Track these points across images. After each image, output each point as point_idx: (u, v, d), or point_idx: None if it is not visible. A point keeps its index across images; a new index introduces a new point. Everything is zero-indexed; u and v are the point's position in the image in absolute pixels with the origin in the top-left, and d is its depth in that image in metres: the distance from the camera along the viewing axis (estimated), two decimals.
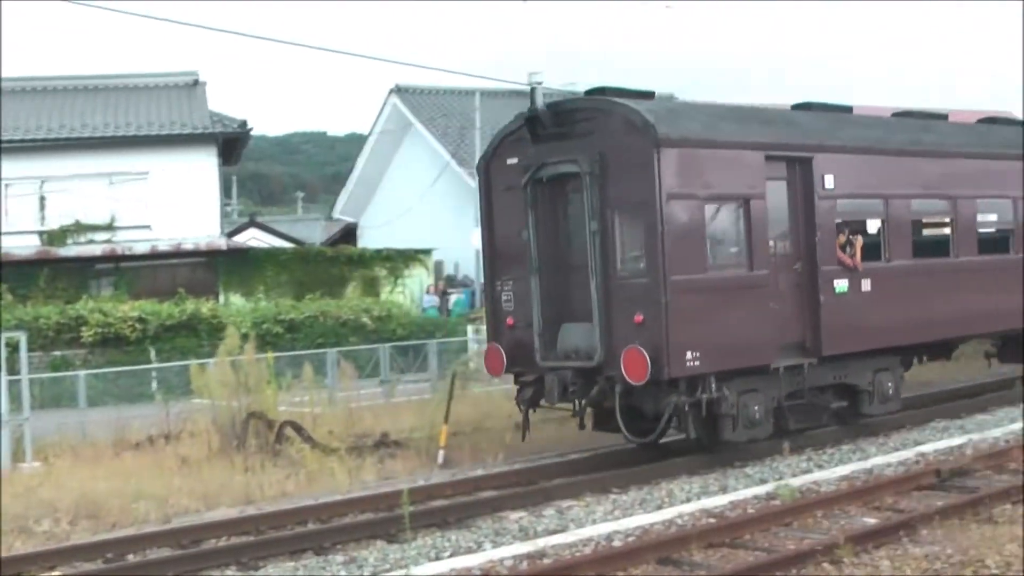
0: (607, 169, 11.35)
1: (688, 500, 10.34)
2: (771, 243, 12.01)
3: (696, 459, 12.20)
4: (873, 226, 13.45)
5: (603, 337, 11.30)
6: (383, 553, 9.00)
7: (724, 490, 10.72)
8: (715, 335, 11.28)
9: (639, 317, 11.03)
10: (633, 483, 11.41)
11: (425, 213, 31.58)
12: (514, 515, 10.31)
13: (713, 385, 11.35)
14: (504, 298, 12.53)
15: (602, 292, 11.32)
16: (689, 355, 11.01)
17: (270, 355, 16.12)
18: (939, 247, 14.43)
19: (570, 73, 74.12)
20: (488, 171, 12.82)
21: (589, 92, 12.35)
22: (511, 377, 12.74)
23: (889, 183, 13.40)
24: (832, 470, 11.34)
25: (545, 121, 11.87)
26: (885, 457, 11.86)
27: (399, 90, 33.98)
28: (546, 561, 8.41)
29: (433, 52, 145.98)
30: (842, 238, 12.86)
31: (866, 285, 12.92)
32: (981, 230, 14.78)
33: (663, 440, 12.11)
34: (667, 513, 9.76)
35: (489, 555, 8.60)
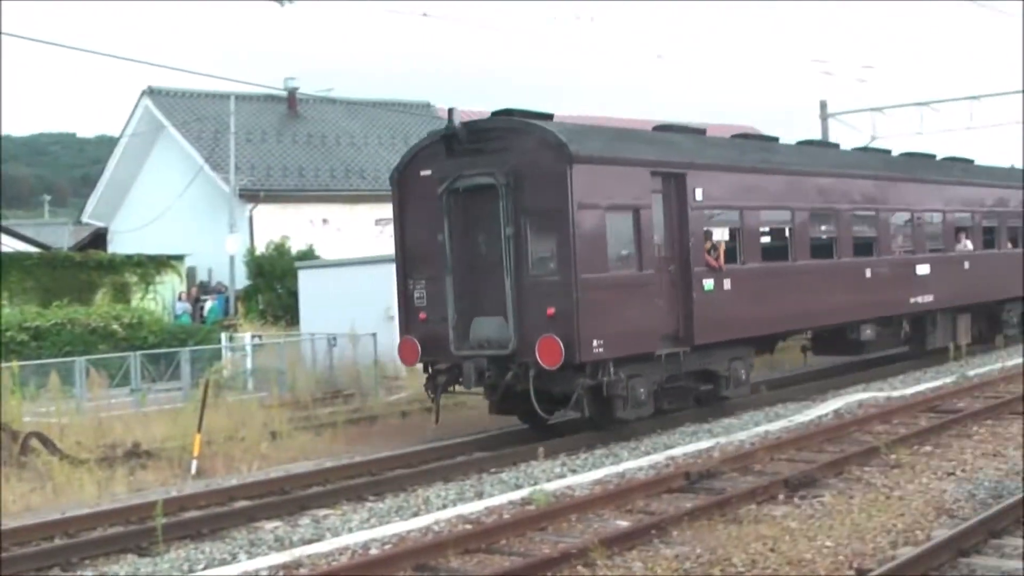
0: (521, 181, 13.00)
1: (444, 507, 10.36)
2: (655, 247, 13.87)
3: (451, 466, 12.68)
4: (732, 233, 15.66)
5: (517, 328, 12.91)
6: (134, 567, 8.82)
7: (480, 496, 10.80)
8: (614, 326, 13.04)
9: (551, 310, 12.69)
10: (389, 490, 11.57)
11: (178, 218, 31.07)
12: (269, 525, 10.25)
13: (612, 369, 13.09)
14: (416, 295, 14.05)
15: (516, 289, 12.93)
16: (595, 343, 12.78)
17: (15, 364, 15.99)
18: (782, 252, 16.88)
19: (327, 79, 73.83)
20: (401, 182, 14.27)
21: (496, 113, 13.95)
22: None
23: (743, 196, 15.58)
24: (586, 474, 11.59)
25: (461, 138, 13.39)
26: (637, 461, 12.24)
27: (151, 92, 33.19)
28: (302, 571, 8.32)
29: (187, 54, 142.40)
30: (708, 243, 14.89)
31: (727, 284, 14.94)
32: (812, 237, 17.19)
33: (552, 422, 14.04)
34: (424, 520, 9.74)
35: (244, 566, 8.49)
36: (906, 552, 7.81)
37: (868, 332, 18.55)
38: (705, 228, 14.84)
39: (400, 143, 32.28)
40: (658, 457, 12.36)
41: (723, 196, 15.14)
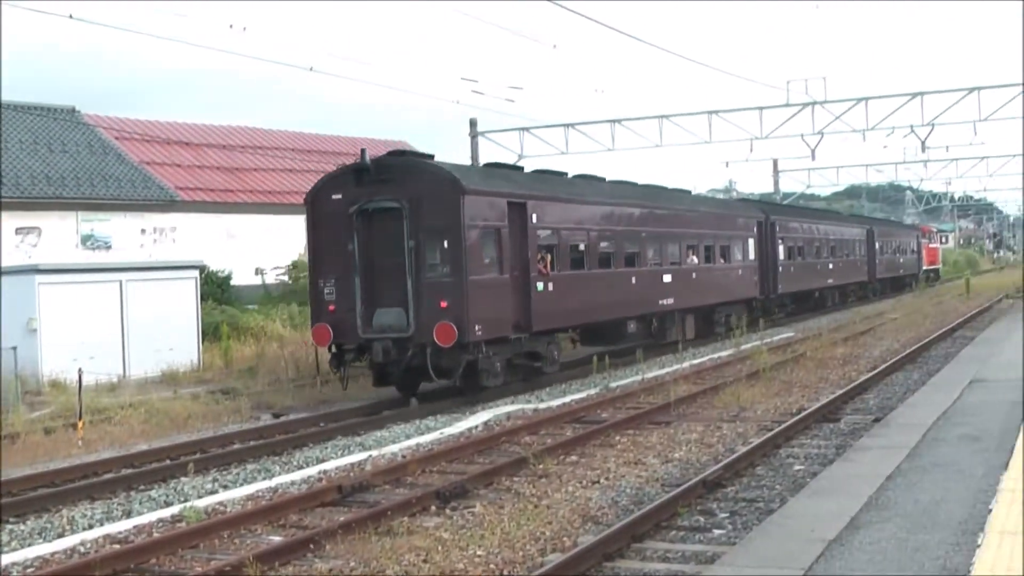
0: (420, 206, 18.73)
1: (91, 526, 10.75)
2: (509, 257, 19.84)
3: (97, 484, 13.19)
4: (552, 248, 21.87)
5: (416, 317, 18.59)
6: None
7: (129, 514, 11.27)
8: (487, 315, 18.97)
9: (444, 303, 18.40)
10: (31, 511, 11.82)
11: None
12: None
13: (484, 348, 19.02)
14: (327, 291, 19.41)
15: (415, 287, 18.64)
16: (476, 328, 18.65)
17: None
18: (580, 263, 23.31)
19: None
20: (315, 203, 19.91)
21: (392, 153, 20.68)
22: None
23: (560, 220, 22.19)
24: (238, 490, 12.36)
25: (370, 171, 19.09)
26: (290, 475, 13.15)
27: None
28: None
29: None
30: (540, 255, 21.24)
31: (551, 286, 21.36)
32: (599, 251, 24.05)
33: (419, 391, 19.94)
34: (69, 541, 10.10)
35: None
36: (554, 558, 8.87)
37: (632, 326, 25.80)
38: (539, 243, 21.23)
39: (43, 149, 31.22)
40: (311, 471, 13.30)
41: (549, 220, 21.66)
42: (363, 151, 19.72)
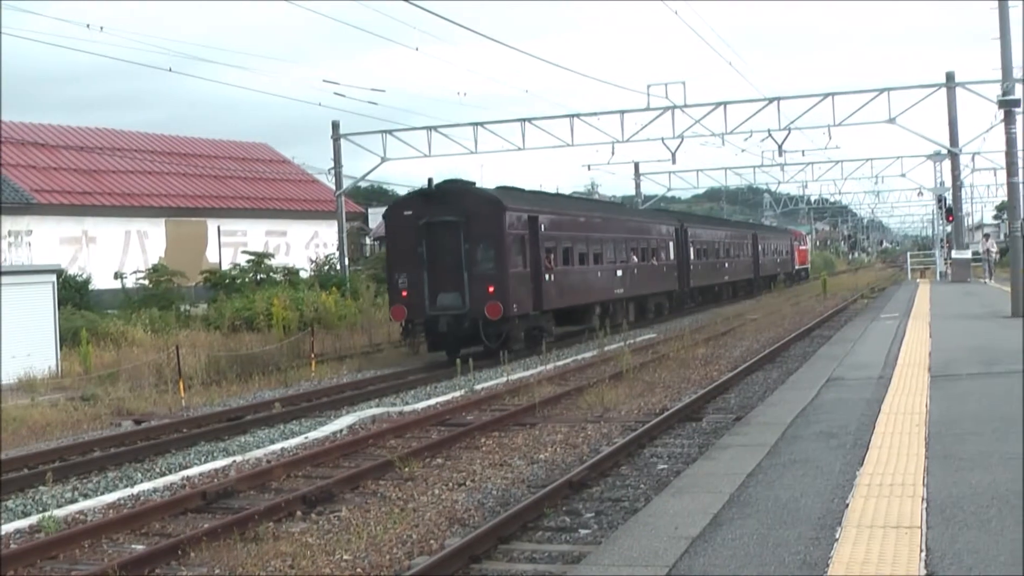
0: (471, 220, 26.31)
1: None
2: (529, 256, 27.84)
3: None
4: (554, 249, 29.74)
5: (470, 298, 26.03)
6: None
7: None
8: (519, 297, 26.86)
9: (491, 288, 25.95)
10: None
11: None
12: None
13: (516, 321, 26.90)
14: (400, 282, 26.62)
15: (469, 276, 26.14)
16: (515, 306, 26.46)
17: None
18: (599, 258, 33.33)
19: None
20: (391, 217, 27.83)
21: (447, 181, 28.00)
22: None
23: (558, 228, 30.26)
24: (99, 498, 12.07)
25: (433, 194, 26.87)
26: (152, 483, 12.90)
27: None
28: None
29: None
30: (546, 254, 28.95)
31: (553, 277, 29.19)
32: (581, 252, 32.12)
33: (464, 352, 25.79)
34: None
35: None
36: (421, 561, 8.85)
37: (598, 310, 33.50)
38: (545, 245, 28.93)
39: None
40: (174, 478, 13.07)
41: (551, 228, 29.70)
42: (430, 180, 27.40)
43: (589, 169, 64.78)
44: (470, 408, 18.59)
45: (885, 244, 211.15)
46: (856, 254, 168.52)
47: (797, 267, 79.25)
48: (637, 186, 70.92)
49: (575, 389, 19.86)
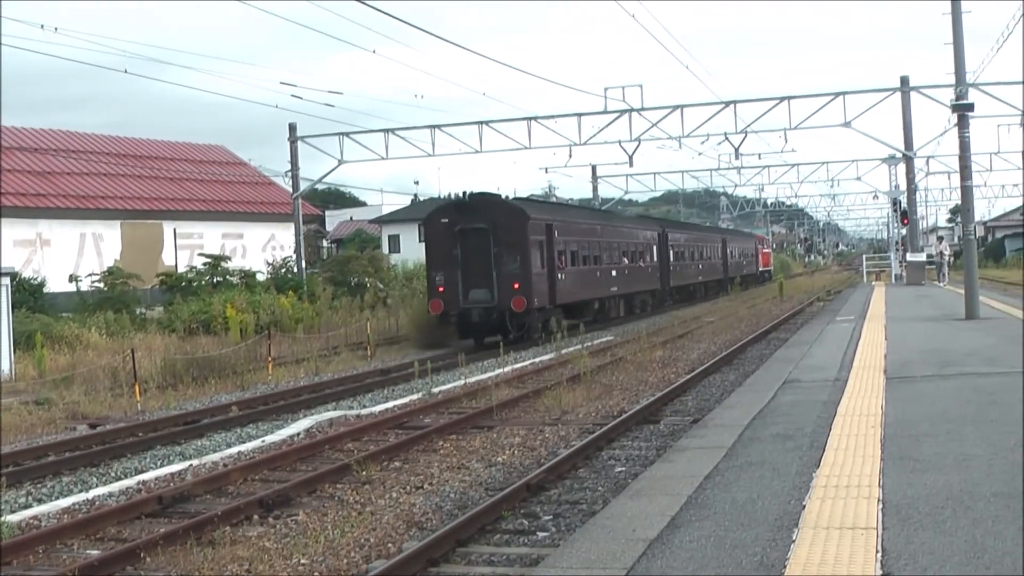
0: (499, 227, 31.21)
1: None
2: (546, 257, 32.64)
3: None
4: (566, 252, 35.12)
5: (499, 293, 30.94)
6: None
7: None
8: (540, 292, 32.03)
9: (516, 285, 30.93)
10: None
11: None
12: None
13: (535, 314, 31.83)
14: (437, 279, 31.54)
15: (497, 275, 30.97)
16: (535, 300, 31.42)
17: None
18: (597, 260, 38.67)
19: None
20: (429, 224, 33.25)
21: (478, 193, 33.34)
22: None
23: (568, 234, 35.59)
24: (54, 503, 11.96)
25: (466, 204, 31.92)
26: (107, 487, 12.77)
27: None
28: None
29: None
30: (558, 256, 33.72)
31: (564, 276, 34.38)
32: (585, 255, 37.62)
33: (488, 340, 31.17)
34: None
35: None
36: (379, 565, 8.86)
37: (596, 305, 39.09)
38: (557, 249, 34.03)
39: None
40: (129, 482, 12.94)
41: (562, 234, 35.08)
42: (464, 192, 33.03)
43: (547, 172, 65.30)
44: (428, 411, 18.57)
45: (841, 247, 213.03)
46: (812, 257, 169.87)
47: (761, 269, 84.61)
48: (594, 189, 71.09)
49: (533, 392, 19.89)
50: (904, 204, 47.42)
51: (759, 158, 62.20)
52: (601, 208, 55.86)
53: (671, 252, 51.34)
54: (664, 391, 19.23)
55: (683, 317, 41.64)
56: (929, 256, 50.45)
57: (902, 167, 48.31)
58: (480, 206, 32.29)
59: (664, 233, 50.65)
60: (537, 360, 26.62)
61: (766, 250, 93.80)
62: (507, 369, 24.26)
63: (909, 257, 46.69)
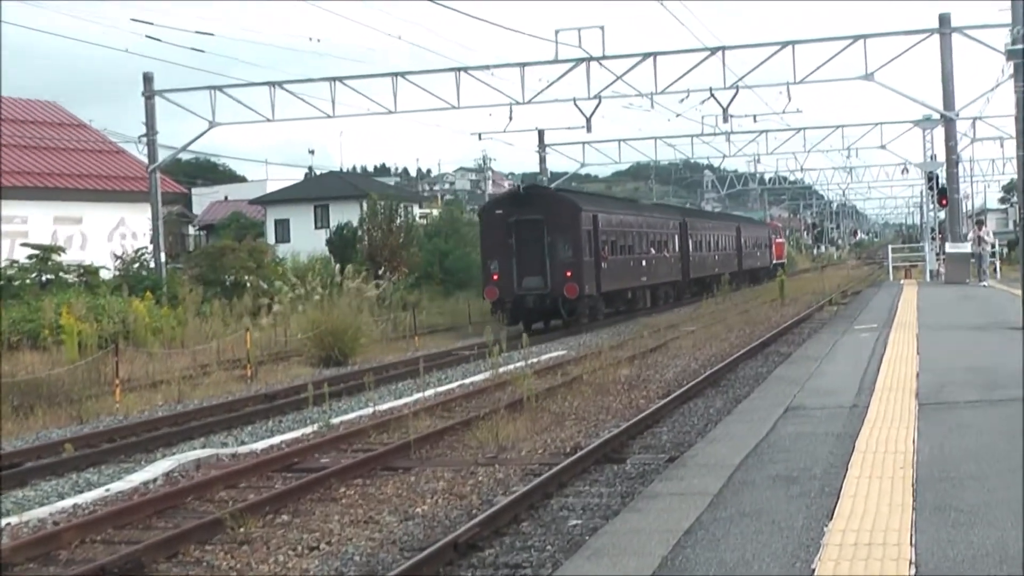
0: (552, 219, 43.28)
1: None
2: (593, 248, 44.94)
3: None
4: (611, 241, 47.43)
5: (552, 280, 42.69)
6: None
7: None
8: (589, 280, 44.16)
9: (569, 273, 42.74)
10: None
11: None
12: None
13: (586, 299, 44.21)
14: (492, 267, 43.03)
15: (551, 264, 42.84)
16: (586, 287, 43.66)
17: None
18: (631, 250, 50.75)
19: None
20: (485, 215, 46.36)
21: (529, 186, 54.56)
22: None
23: (612, 224, 48.17)
24: None
25: (521, 196, 45.47)
26: None
27: None
28: None
29: None
30: (601, 246, 45.62)
31: (608, 264, 46.24)
32: (645, 244, 53.19)
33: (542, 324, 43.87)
34: None
35: None
36: None
37: (629, 295, 50.05)
38: (602, 239, 45.14)
39: None
40: None
41: (605, 225, 46.50)
42: (519, 185, 50.28)
43: (480, 139, 64.90)
44: (325, 448, 18.53)
45: (860, 235, 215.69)
46: (823, 247, 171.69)
47: (775, 262, 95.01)
48: (542, 160, 71.21)
49: (462, 422, 19.90)
50: (943, 180, 47.76)
51: (754, 121, 62.66)
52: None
53: (690, 242, 63.47)
54: (631, 421, 19.29)
55: (656, 325, 41.88)
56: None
57: (940, 132, 48.72)
58: (534, 198, 44.75)
59: (685, 222, 63.06)
60: (467, 382, 26.60)
61: (780, 240, 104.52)
62: (428, 393, 24.22)
63: (949, 248, 46.80)
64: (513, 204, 44.12)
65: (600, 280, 44.92)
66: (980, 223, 52.04)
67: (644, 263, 52.61)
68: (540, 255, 42.50)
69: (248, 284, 46.75)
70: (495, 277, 42.62)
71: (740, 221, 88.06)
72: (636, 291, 51.59)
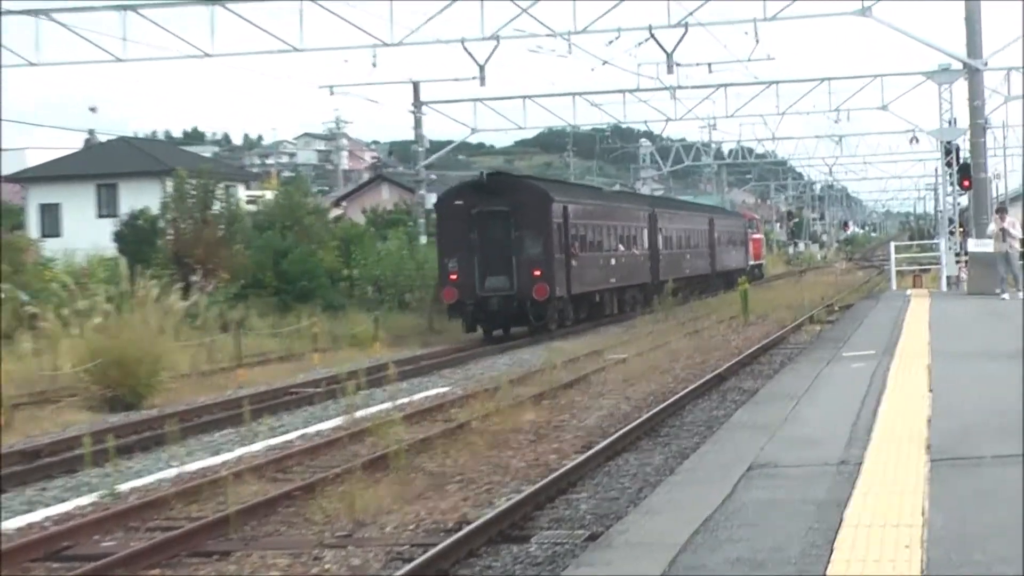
0: (520, 210, 52.23)
1: None
2: (564, 244, 55.05)
3: None
4: (580, 236, 57.92)
5: (518, 281, 51.18)
6: None
7: None
8: (560, 280, 53.72)
9: (538, 272, 51.37)
10: None
11: None
12: None
13: (557, 301, 54.08)
14: (450, 266, 51.57)
15: (518, 262, 51.52)
16: (558, 288, 53.22)
17: None
18: (600, 246, 60.93)
19: None
20: (443, 206, 56.06)
21: (493, 173, 62.65)
22: None
23: (583, 216, 58.74)
24: None
25: (484, 185, 53.64)
26: None
27: None
28: None
29: None
30: (571, 241, 56.14)
31: (577, 263, 56.18)
32: (614, 239, 63.74)
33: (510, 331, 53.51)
34: None
35: None
36: None
37: (597, 298, 59.86)
38: (571, 233, 54.89)
39: None
40: None
41: (577, 217, 56.51)
42: (482, 173, 57.96)
43: (332, 94, 63.57)
44: (109, 526, 18.40)
45: (852, 228, 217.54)
46: (802, 245, 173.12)
47: (752, 262, 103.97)
48: (417, 123, 71.16)
49: (303, 487, 19.88)
50: (965, 153, 47.79)
51: (709, 72, 63.15)
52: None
53: (660, 237, 72.31)
54: (538, 484, 19.32)
55: (573, 352, 41.95)
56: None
57: (962, 87, 48.89)
58: (499, 186, 52.28)
59: (654, 214, 71.54)
60: (312, 431, 26.52)
61: (757, 235, 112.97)
62: (257, 447, 24.09)
63: (973, 247, 46.37)
64: (475, 193, 51.80)
65: (571, 281, 53.43)
66: (1002, 210, 49.47)
67: (613, 262, 61.74)
68: (506, 252, 50.05)
69: (2, 296, 46.19)
70: (453, 277, 50.08)
71: (713, 212, 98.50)
72: (604, 295, 60.47)
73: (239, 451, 24.05)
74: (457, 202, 51.53)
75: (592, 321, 57.24)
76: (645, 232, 69.13)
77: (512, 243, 49.39)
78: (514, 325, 51.28)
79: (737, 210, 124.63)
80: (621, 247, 63.57)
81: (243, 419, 26.51)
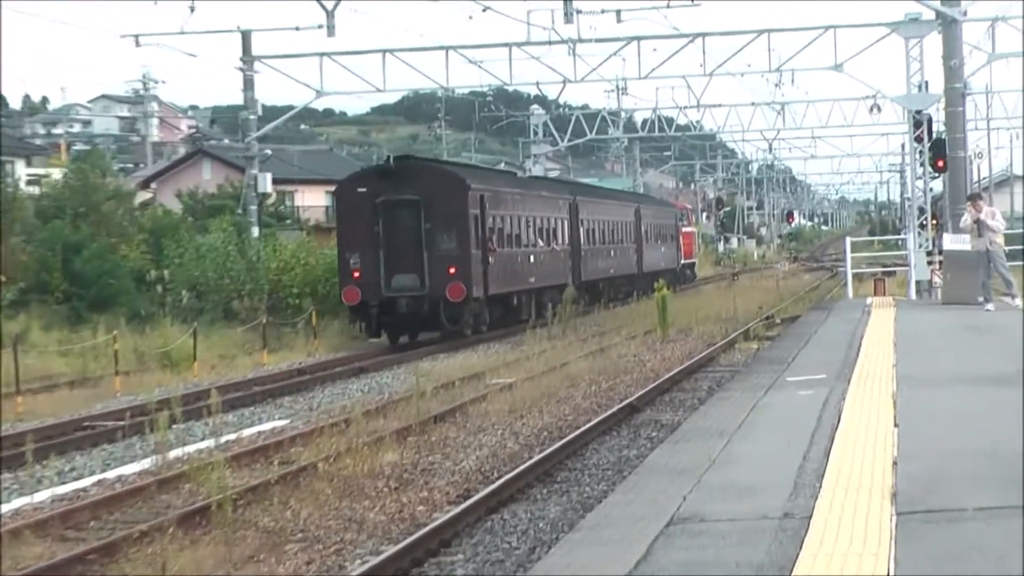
0: (432, 199, 59.56)
1: None
2: (481, 238, 63.24)
3: None
4: (498, 229, 66.30)
5: (430, 279, 58.58)
6: None
7: None
8: (478, 279, 61.84)
9: (453, 269, 59.10)
10: None
11: None
12: None
13: (472, 303, 62.14)
14: (352, 262, 58.92)
15: (429, 258, 58.91)
16: (475, 289, 61.10)
17: None
18: (517, 240, 68.74)
19: None
20: (341, 194, 66.05)
21: (400, 157, 68.78)
22: None
23: (500, 206, 66.65)
24: None
25: (391, 171, 61.63)
26: None
27: None
28: None
29: None
30: (488, 234, 64.42)
31: (495, 260, 64.39)
32: (532, 233, 71.96)
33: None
34: None
35: None
36: None
37: (515, 300, 67.39)
38: (488, 225, 62.06)
39: None
40: None
41: (493, 206, 63.77)
42: (388, 156, 66.45)
43: (138, 45, 62.37)
44: None
45: (798, 220, 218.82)
46: (735, 241, 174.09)
47: (683, 261, 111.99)
48: (247, 84, 70.98)
49: (101, 549, 19.80)
50: (940, 125, 48.02)
51: (618, 21, 63.31)
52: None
53: (582, 231, 78.37)
54: (402, 543, 19.40)
55: (447, 374, 41.99)
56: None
57: (935, 42, 49.22)
58: (408, 172, 57.56)
59: (575, 203, 77.62)
60: (112, 476, 26.43)
61: (688, 228, 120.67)
62: (40, 498, 24.01)
63: (949, 243, 46.35)
64: (381, 180, 57.20)
65: (488, 280, 59.11)
66: (976, 198, 47.08)
67: (532, 259, 67.68)
68: (416, 246, 55.45)
69: None
70: (356, 275, 55.39)
71: (640, 200, 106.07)
72: (521, 296, 66.20)
73: (17, 502, 23.93)
74: (360, 189, 56.17)
75: (511, 327, 61.21)
76: (566, 224, 74.85)
77: (423, 237, 54.05)
78: (424, 330, 56.14)
79: (661, 197, 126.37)
80: (540, 242, 69.29)
81: (23, 461, 26.36)
